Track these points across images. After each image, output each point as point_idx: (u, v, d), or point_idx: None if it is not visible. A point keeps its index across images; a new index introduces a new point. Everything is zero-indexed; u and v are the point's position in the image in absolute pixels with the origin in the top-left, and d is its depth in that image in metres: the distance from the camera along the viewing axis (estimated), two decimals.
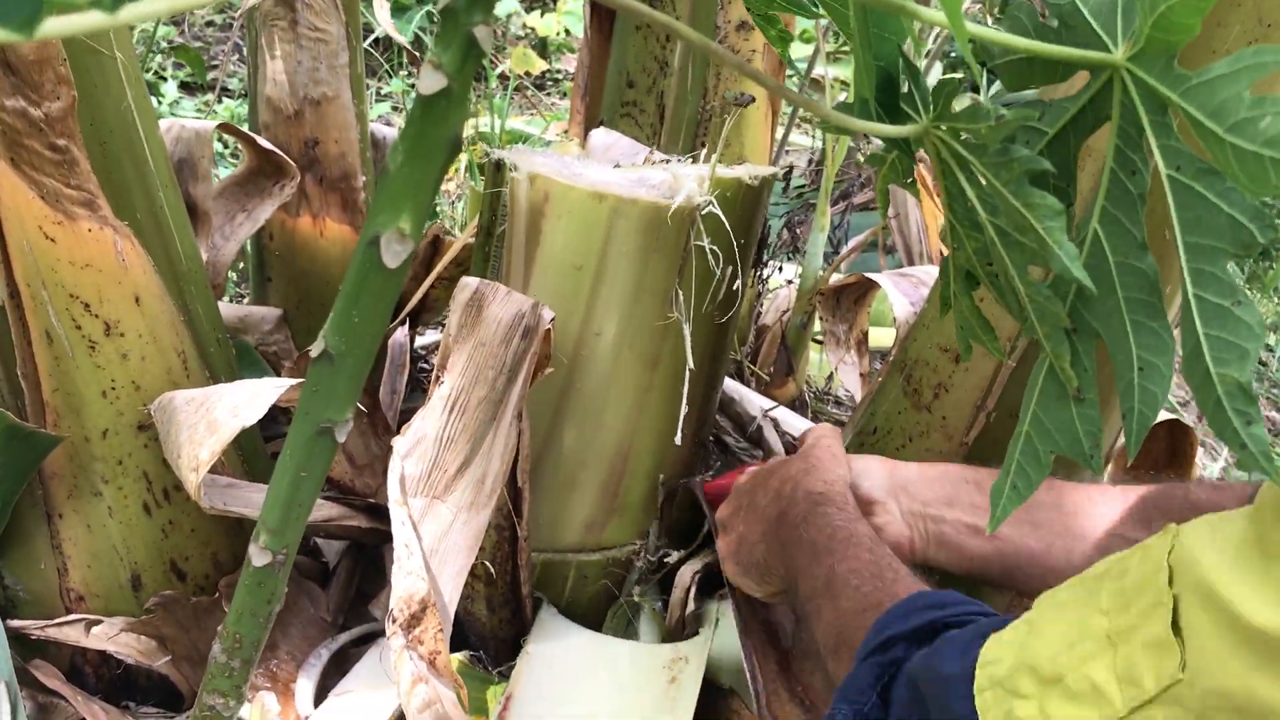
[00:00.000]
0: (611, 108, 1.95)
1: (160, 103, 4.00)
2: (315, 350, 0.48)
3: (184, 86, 4.20)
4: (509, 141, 3.78)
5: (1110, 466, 1.69)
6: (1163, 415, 1.50)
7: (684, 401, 1.26)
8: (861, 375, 1.91)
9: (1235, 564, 0.52)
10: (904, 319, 1.61)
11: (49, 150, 1.13)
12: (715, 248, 1.19)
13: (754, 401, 1.70)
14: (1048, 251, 0.48)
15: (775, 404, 1.68)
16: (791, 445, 1.82)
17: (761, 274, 2.16)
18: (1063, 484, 1.12)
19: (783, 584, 1.16)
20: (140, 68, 1.30)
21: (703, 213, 1.16)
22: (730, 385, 1.72)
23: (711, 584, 1.57)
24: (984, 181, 0.50)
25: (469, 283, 1.23)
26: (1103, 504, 1.09)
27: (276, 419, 1.80)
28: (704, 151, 1.35)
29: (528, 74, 4.39)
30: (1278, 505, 0.51)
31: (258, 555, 0.55)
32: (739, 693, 1.35)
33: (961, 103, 0.56)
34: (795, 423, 1.87)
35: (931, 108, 0.55)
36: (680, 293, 1.22)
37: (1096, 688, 0.57)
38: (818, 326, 2.02)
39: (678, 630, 1.50)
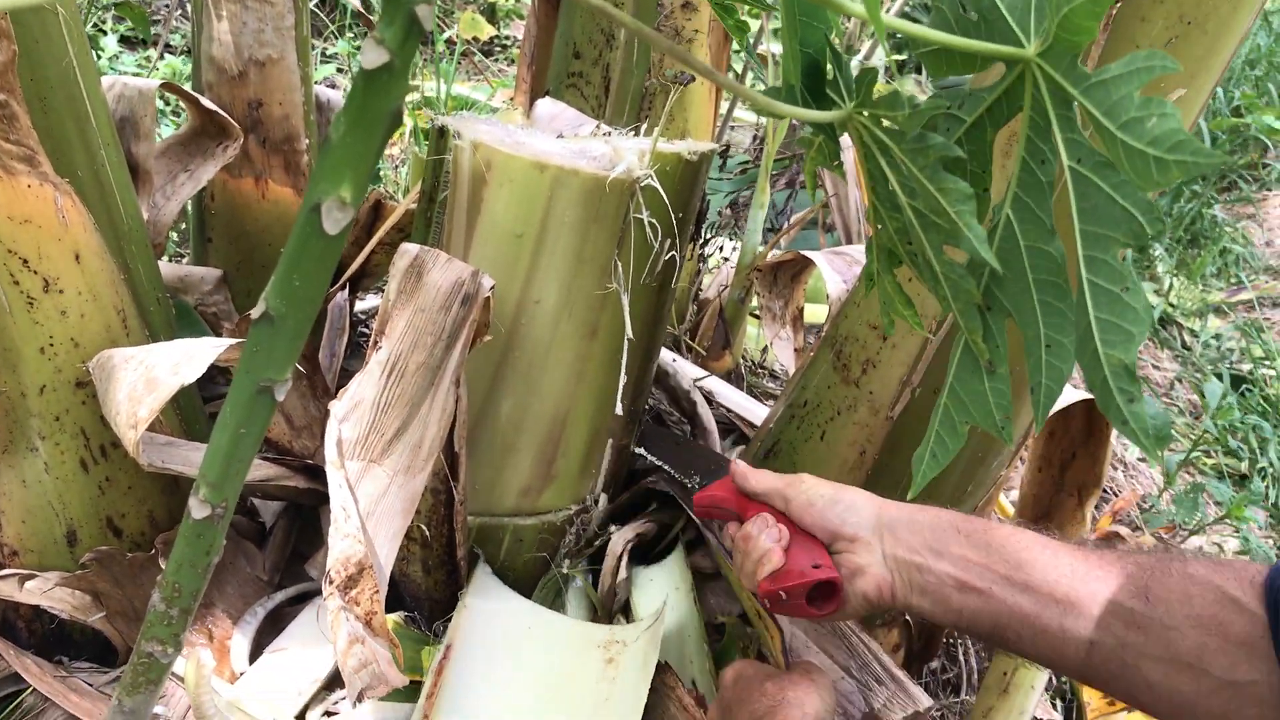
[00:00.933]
0: (558, 78, 1.96)
1: (100, 57, 3.93)
2: (256, 312, 0.50)
3: (124, 41, 4.12)
4: (455, 107, 3.77)
5: (1032, 442, 1.75)
6: (1081, 395, 1.55)
7: (622, 371, 1.29)
8: (796, 350, 1.95)
9: None
10: (836, 296, 1.64)
11: None
12: (654, 220, 1.21)
13: (688, 373, 1.74)
14: (958, 234, 0.51)
15: (707, 374, 1.71)
16: (725, 418, 1.85)
17: (702, 249, 2.19)
18: (1059, 544, 1.08)
19: None
20: (82, 23, 1.29)
21: (642, 186, 1.18)
22: (665, 357, 1.75)
23: (642, 552, 1.60)
24: (903, 166, 0.53)
25: (409, 249, 1.24)
26: (1099, 568, 1.04)
27: (215, 379, 1.80)
28: (646, 125, 1.37)
29: (475, 40, 4.37)
30: None
31: (197, 508, 0.57)
32: (672, 667, 1.39)
33: (908, 88, 0.59)
34: (731, 395, 1.90)
35: (855, 94, 0.57)
36: (619, 264, 1.25)
37: None
38: (756, 302, 2.05)
39: (609, 597, 1.54)
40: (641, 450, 1.52)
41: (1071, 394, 1.55)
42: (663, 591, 1.53)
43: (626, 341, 1.28)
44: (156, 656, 0.65)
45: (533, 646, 1.39)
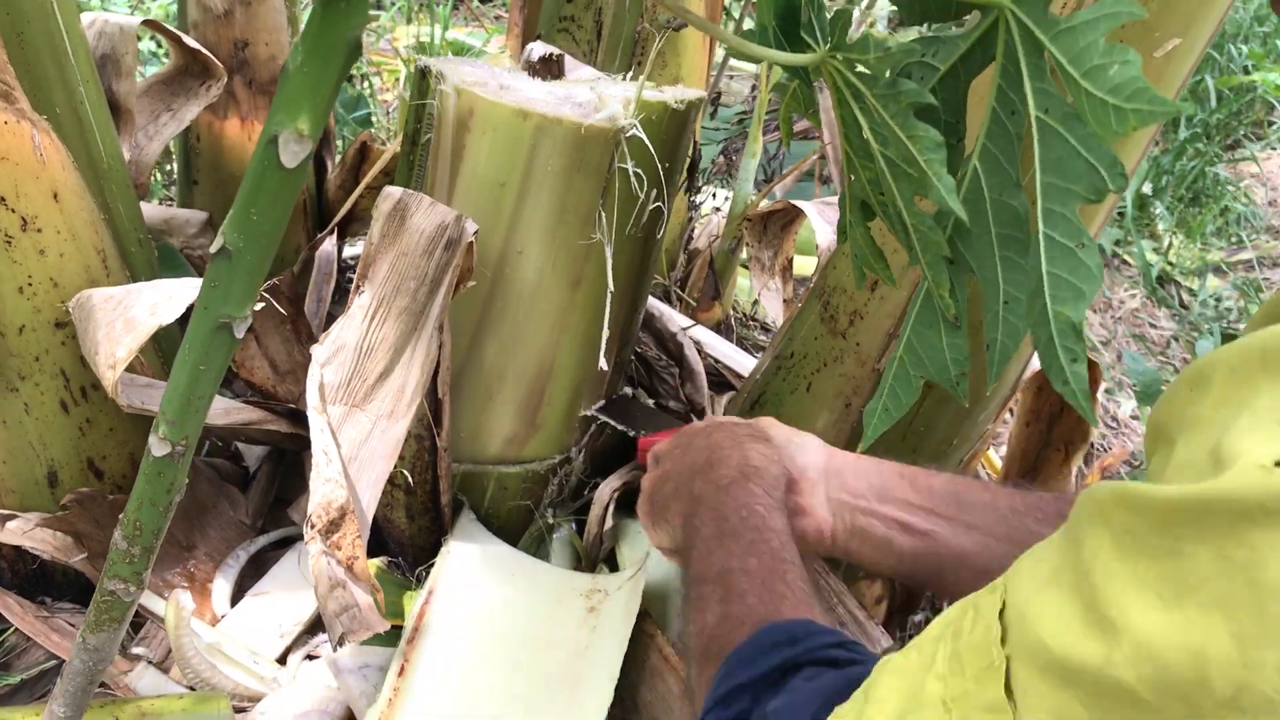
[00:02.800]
0: (549, 22, 1.93)
1: (111, 13, 3.88)
2: (214, 247, 0.49)
3: None
4: (451, 53, 3.73)
5: (1020, 396, 1.74)
6: None
7: (605, 324, 1.28)
8: (785, 301, 1.93)
9: (1045, 590, 0.51)
10: (826, 247, 1.63)
11: None
12: (639, 170, 1.20)
13: (676, 320, 1.73)
14: (927, 183, 0.50)
15: (693, 324, 1.70)
16: (712, 369, 1.85)
17: (694, 199, 2.17)
18: (998, 488, 1.10)
19: (675, 543, 1.14)
20: None
21: (627, 135, 1.17)
22: (651, 301, 1.74)
23: (629, 502, 1.60)
24: (875, 113, 0.52)
25: (392, 192, 1.23)
26: (1038, 509, 1.06)
27: None
28: (633, 72, 1.35)
29: None
30: (1092, 511, 0.50)
31: (157, 445, 0.56)
32: (652, 615, 1.39)
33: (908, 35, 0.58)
34: (719, 346, 1.90)
35: (829, 37, 0.56)
36: (604, 214, 1.23)
37: None
38: (747, 253, 2.04)
39: (594, 546, 1.54)
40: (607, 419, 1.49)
41: None
42: (648, 542, 1.53)
43: (609, 293, 1.27)
44: (119, 594, 0.65)
45: (515, 592, 1.39)
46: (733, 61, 3.08)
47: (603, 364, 1.29)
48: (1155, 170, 3.98)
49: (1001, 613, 0.55)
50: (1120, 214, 3.86)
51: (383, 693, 1.21)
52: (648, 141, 1.18)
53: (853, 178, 0.58)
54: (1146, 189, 3.93)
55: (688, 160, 1.31)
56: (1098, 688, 0.47)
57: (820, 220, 1.65)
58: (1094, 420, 0.50)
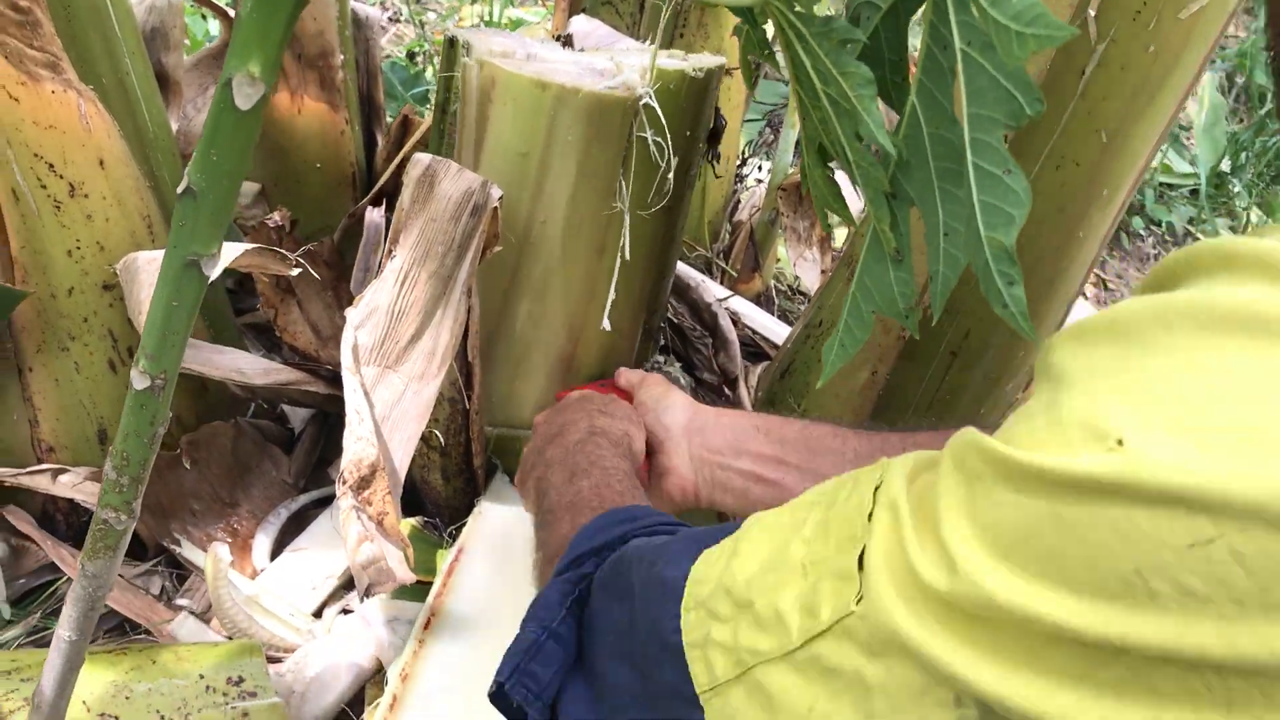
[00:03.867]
0: None
1: None
2: (180, 188, 0.52)
3: None
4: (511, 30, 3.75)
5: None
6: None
7: (612, 288, 1.30)
8: (823, 272, 1.94)
9: (916, 510, 0.52)
10: (858, 214, 1.63)
11: (12, 10, 1.16)
12: (659, 139, 1.21)
13: (712, 290, 1.74)
14: (858, 118, 0.52)
15: (730, 294, 1.72)
16: (749, 339, 1.86)
17: (740, 170, 2.18)
18: (849, 431, 1.15)
19: (532, 504, 1.18)
20: None
21: (642, 104, 1.18)
22: (688, 272, 1.75)
23: None
24: (816, 52, 0.53)
25: (421, 159, 1.26)
26: (883, 450, 1.09)
27: (251, 292, 1.85)
28: (655, 41, 1.36)
29: None
30: (955, 456, 0.52)
31: (138, 379, 0.60)
32: None
33: None
34: (758, 317, 1.91)
35: None
36: (624, 182, 1.25)
37: (779, 615, 0.57)
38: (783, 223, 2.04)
39: None
40: None
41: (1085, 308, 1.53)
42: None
43: (619, 259, 1.29)
44: (111, 523, 0.69)
45: None
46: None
47: (605, 324, 1.32)
48: (1233, 146, 3.88)
49: (876, 490, 0.57)
50: (1194, 192, 3.77)
51: (408, 645, 1.25)
52: (663, 109, 1.19)
53: (804, 120, 0.60)
54: (1225, 166, 3.83)
55: (710, 128, 1.32)
56: (938, 601, 0.50)
57: (853, 190, 1.65)
58: (1032, 334, 0.51)
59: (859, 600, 0.53)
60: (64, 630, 0.75)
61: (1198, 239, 3.61)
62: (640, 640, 0.72)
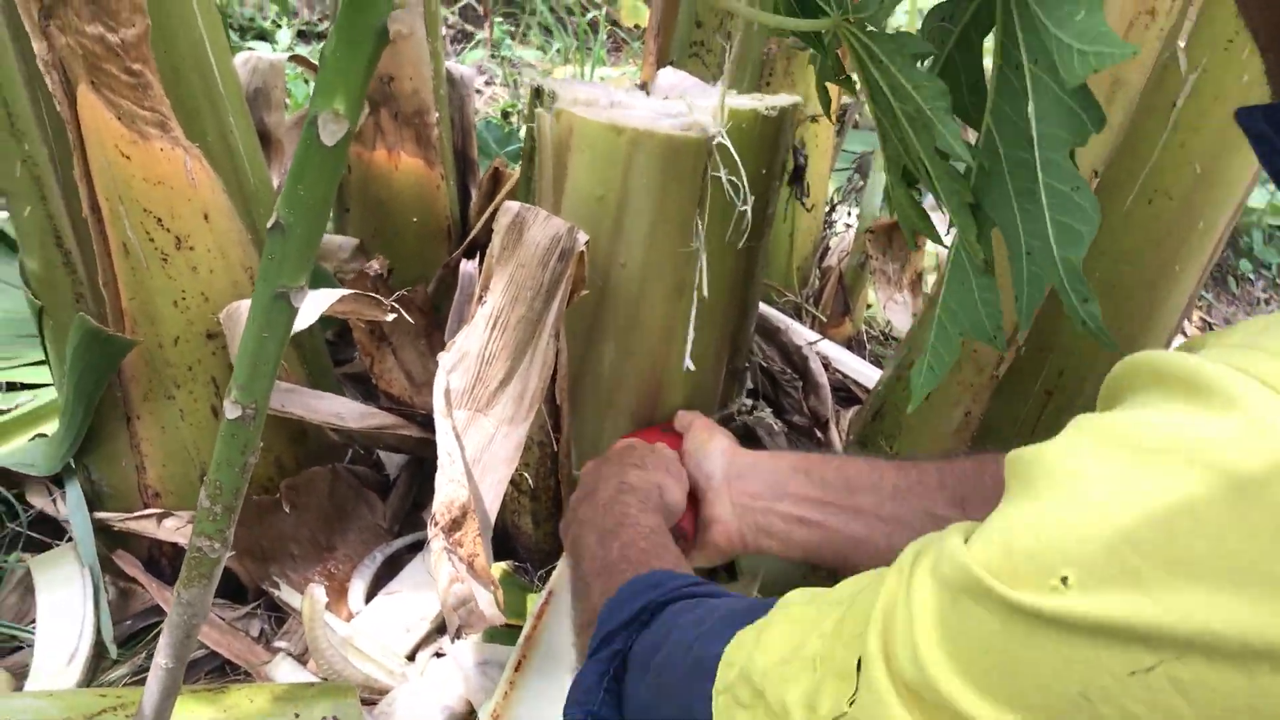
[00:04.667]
0: (681, 48, 1.99)
1: (274, 49, 4.13)
2: (270, 223, 0.54)
3: (300, 35, 4.33)
4: None
5: None
6: None
7: (690, 327, 1.31)
8: (914, 315, 1.92)
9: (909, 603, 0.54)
10: (945, 256, 1.62)
11: (125, 74, 1.22)
12: (734, 179, 1.22)
13: (802, 334, 1.74)
14: (935, 130, 0.52)
15: (819, 338, 1.71)
16: (840, 383, 1.85)
17: (829, 215, 2.18)
18: (886, 464, 1.14)
19: (570, 564, 1.19)
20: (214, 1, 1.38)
21: (715, 143, 1.19)
22: (776, 315, 1.75)
23: None
24: (890, 71, 0.54)
25: (511, 206, 1.29)
26: (919, 482, 1.09)
27: (349, 343, 1.90)
28: (725, 81, 1.38)
29: (637, 26, 4.42)
30: (935, 558, 0.54)
31: (230, 409, 0.62)
32: None
33: None
34: (849, 361, 1.90)
35: (840, 2, 0.58)
36: (700, 222, 1.26)
37: (785, 709, 0.59)
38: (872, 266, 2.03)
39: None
40: None
41: None
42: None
43: (697, 298, 1.29)
44: (205, 551, 0.71)
45: None
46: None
47: (688, 364, 1.32)
48: None
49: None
50: None
51: (498, 687, 1.26)
52: (738, 149, 1.20)
53: (885, 141, 0.60)
54: None
55: (788, 167, 1.33)
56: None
57: (943, 229, 1.64)
58: (1113, 345, 0.52)
59: (851, 702, 0.55)
60: (161, 658, 0.78)
61: None
62: (676, 715, 0.74)
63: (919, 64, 0.53)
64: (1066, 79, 0.44)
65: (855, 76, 0.61)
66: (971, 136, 0.61)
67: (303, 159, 0.52)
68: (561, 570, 1.43)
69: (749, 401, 1.58)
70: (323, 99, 0.50)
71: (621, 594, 0.90)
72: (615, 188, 1.24)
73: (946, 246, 0.71)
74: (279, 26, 4.30)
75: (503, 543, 1.59)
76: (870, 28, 0.54)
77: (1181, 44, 1.17)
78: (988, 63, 0.62)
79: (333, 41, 0.49)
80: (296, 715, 1.18)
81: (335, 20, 0.49)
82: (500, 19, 4.44)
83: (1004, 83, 0.50)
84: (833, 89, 2.03)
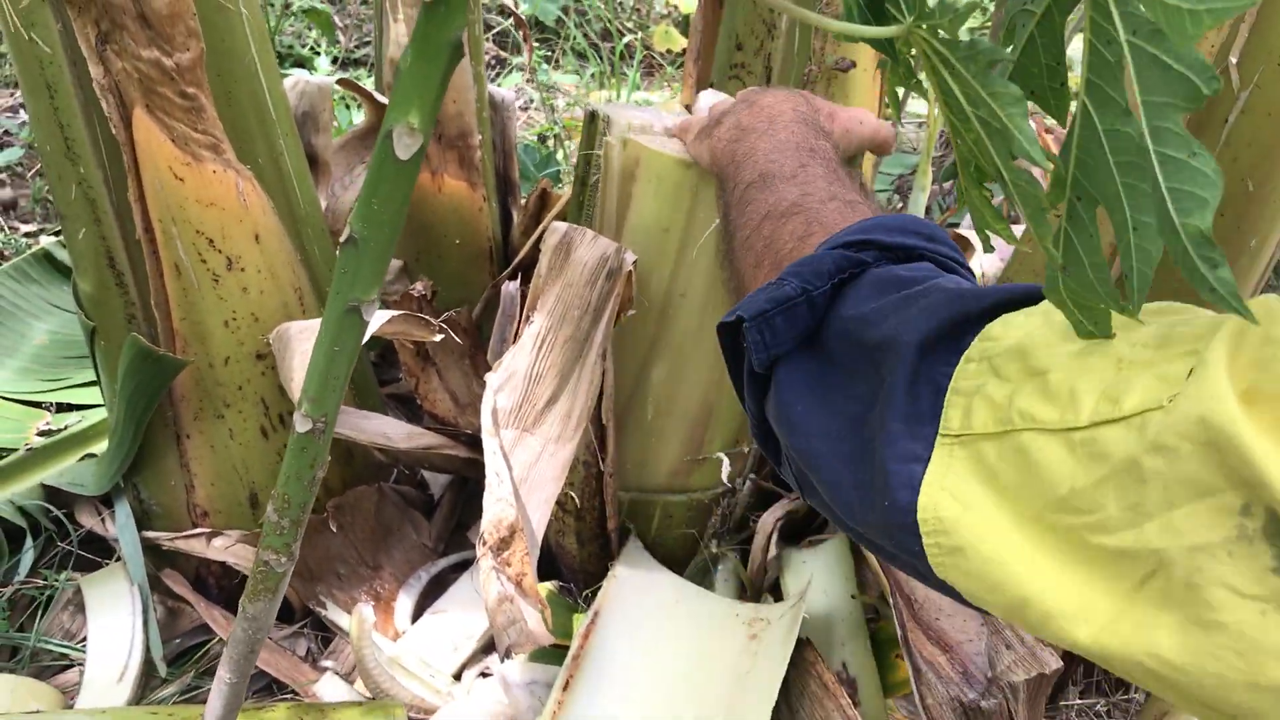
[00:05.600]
0: (720, 70, 1.99)
1: (312, 75, 4.18)
2: (343, 237, 0.55)
3: (337, 62, 4.39)
4: None
5: None
6: None
7: None
8: None
9: None
10: (992, 275, 1.61)
11: (179, 97, 1.24)
12: None
13: None
14: (1010, 137, 0.51)
15: None
16: None
17: None
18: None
19: (716, 167, 1.09)
20: (266, 25, 1.40)
21: None
22: None
23: (793, 532, 1.61)
24: (963, 76, 0.54)
25: (559, 227, 1.29)
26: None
27: (393, 364, 1.91)
28: None
29: (669, 51, 4.45)
30: None
31: (300, 422, 0.62)
32: (814, 644, 1.39)
33: None
34: None
35: (913, 8, 0.58)
36: None
37: (1074, 394, 0.53)
38: None
39: (758, 575, 1.55)
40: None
41: None
42: (814, 571, 1.53)
43: None
44: (272, 565, 0.71)
45: (677, 618, 1.42)
46: (909, 106, 3.07)
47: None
48: None
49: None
50: None
51: (547, 706, 1.25)
52: None
53: (959, 143, 0.60)
54: None
55: None
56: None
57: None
58: (1251, 317, 0.49)
59: (1170, 399, 0.48)
60: (224, 672, 0.78)
61: None
62: (889, 361, 0.64)
63: (993, 68, 0.53)
64: (1177, 43, 0.44)
65: (926, 82, 0.60)
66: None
67: (377, 173, 0.52)
68: (607, 590, 1.43)
69: None
70: (398, 112, 0.50)
71: (899, 220, 0.79)
72: (680, 221, 1.25)
73: (1023, 249, 0.70)
74: (317, 54, 4.35)
75: (548, 562, 1.60)
76: (944, 34, 0.54)
77: (1234, 60, 1.16)
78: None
79: (409, 56, 0.49)
80: None
81: (412, 37, 0.50)
82: (536, 44, 4.47)
83: (1097, 58, 0.49)
84: (868, 102, 2.03)
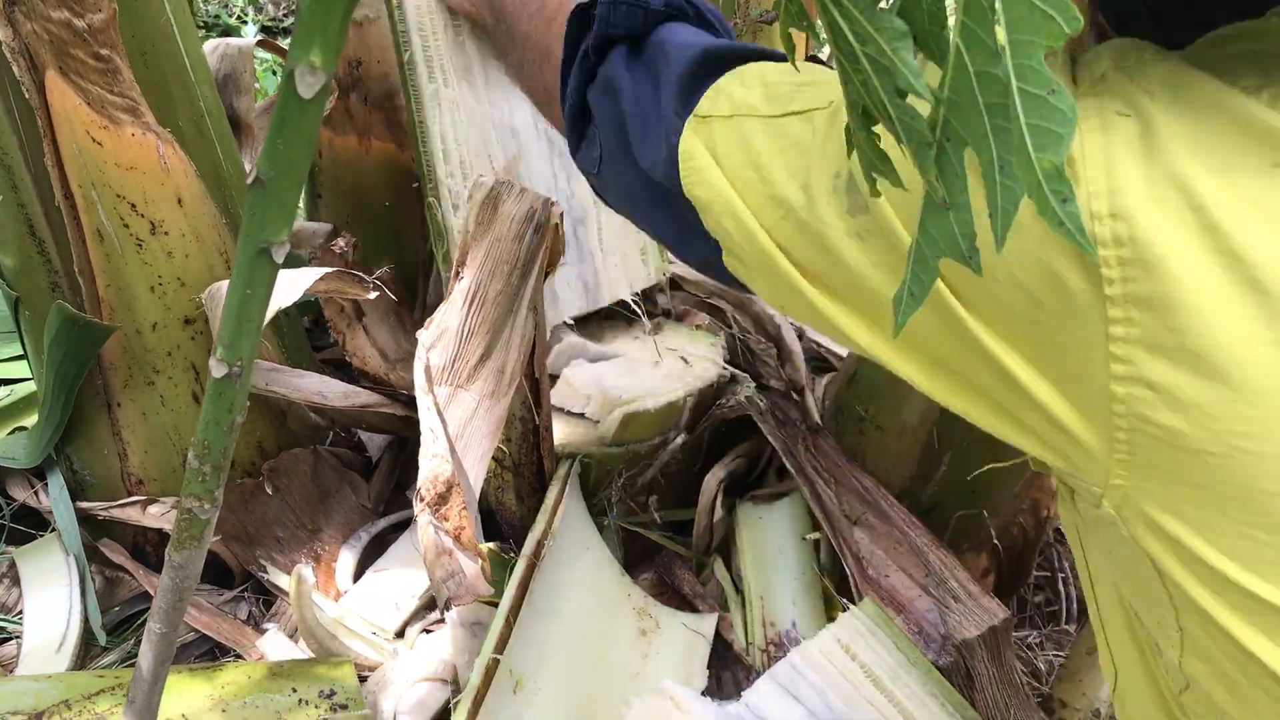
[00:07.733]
0: None
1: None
2: (249, 179, 0.55)
3: (265, 30, 4.31)
4: None
5: None
6: None
7: None
8: None
9: None
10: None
11: (93, 59, 1.22)
12: None
13: None
14: (896, 70, 0.53)
15: None
16: (814, 352, 1.87)
17: None
18: None
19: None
20: None
21: None
22: None
23: (735, 491, 1.63)
24: (851, 12, 0.55)
25: (485, 182, 1.29)
26: None
27: (326, 330, 1.90)
28: None
29: None
30: None
31: (216, 367, 0.63)
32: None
33: None
34: None
35: None
36: None
37: (786, 97, 0.74)
38: None
39: (705, 536, 1.57)
40: None
41: None
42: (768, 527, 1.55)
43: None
44: (195, 513, 0.72)
45: (584, 581, 1.44)
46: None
47: None
48: None
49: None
50: None
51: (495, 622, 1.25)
52: None
53: (847, 84, 0.62)
54: None
55: None
56: None
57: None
58: (1093, 252, 0.53)
59: (829, 104, 0.70)
60: (154, 623, 0.79)
61: None
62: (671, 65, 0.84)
63: (879, 5, 0.54)
64: None
65: (819, 22, 0.62)
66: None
67: (281, 113, 0.53)
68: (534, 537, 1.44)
69: (729, 370, 1.59)
70: (299, 51, 0.51)
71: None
72: None
73: (905, 189, 0.72)
74: (244, 23, 4.28)
75: (489, 521, 1.60)
76: None
77: None
78: None
79: None
80: (294, 689, 1.19)
81: None
82: None
83: (971, 1, 0.51)
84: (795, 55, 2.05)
